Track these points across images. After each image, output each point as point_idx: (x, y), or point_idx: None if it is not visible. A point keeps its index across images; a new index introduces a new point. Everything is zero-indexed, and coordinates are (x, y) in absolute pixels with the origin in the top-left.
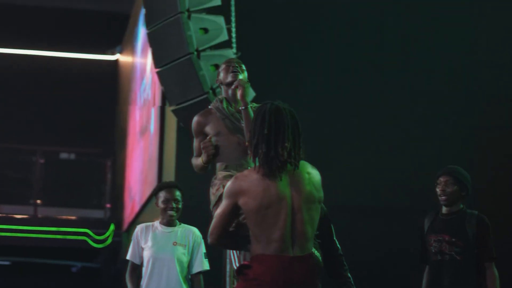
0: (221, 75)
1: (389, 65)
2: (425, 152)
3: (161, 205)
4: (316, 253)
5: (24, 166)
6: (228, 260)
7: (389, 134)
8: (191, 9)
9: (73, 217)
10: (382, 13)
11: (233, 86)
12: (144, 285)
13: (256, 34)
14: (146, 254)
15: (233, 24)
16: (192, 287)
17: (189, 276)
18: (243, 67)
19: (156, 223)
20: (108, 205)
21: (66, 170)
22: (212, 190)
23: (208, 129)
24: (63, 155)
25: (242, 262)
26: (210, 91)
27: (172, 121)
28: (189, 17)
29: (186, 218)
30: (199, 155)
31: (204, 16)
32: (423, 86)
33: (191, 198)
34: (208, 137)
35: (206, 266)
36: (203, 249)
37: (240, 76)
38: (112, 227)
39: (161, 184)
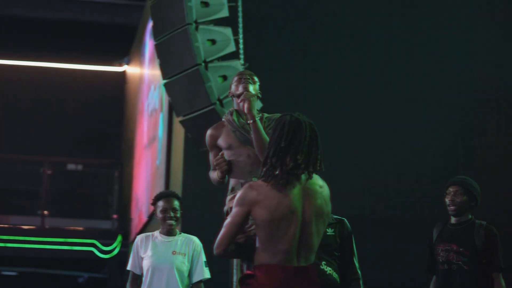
0: (233, 87)
1: (398, 75)
2: (435, 162)
3: (159, 214)
4: (335, 274)
5: (31, 177)
6: (235, 270)
7: (395, 144)
8: (199, 21)
9: (80, 228)
10: (386, 25)
11: (239, 100)
12: None
13: (263, 45)
14: (146, 264)
15: (241, 36)
16: None
17: (190, 285)
18: (255, 78)
19: (156, 233)
20: (115, 216)
21: (74, 181)
22: (227, 205)
23: (220, 142)
24: (71, 166)
25: (245, 271)
26: (218, 102)
27: (179, 132)
28: (196, 28)
29: (193, 227)
30: (214, 169)
31: (212, 27)
32: (432, 96)
33: (198, 207)
34: (220, 153)
35: (207, 274)
36: (203, 258)
37: (251, 88)
38: (119, 237)
39: (159, 194)
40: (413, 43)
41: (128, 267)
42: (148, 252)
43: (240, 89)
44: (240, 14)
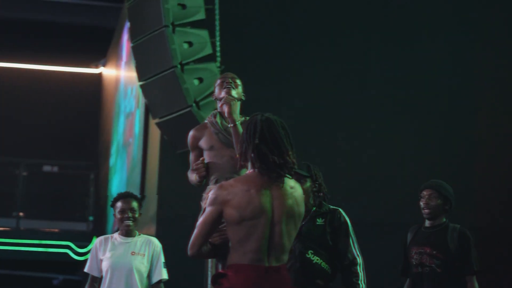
0: (216, 90)
1: (376, 76)
2: (419, 166)
3: (117, 215)
4: (324, 264)
5: (7, 178)
6: (210, 270)
7: (381, 149)
8: (176, 23)
9: (56, 230)
10: (367, 29)
11: (219, 104)
12: None
13: (240, 48)
14: (105, 265)
15: (218, 38)
16: None
17: (150, 286)
18: (238, 82)
19: (115, 234)
20: (91, 218)
21: (49, 183)
22: (202, 204)
23: (202, 143)
24: (46, 168)
25: (217, 271)
26: (194, 104)
27: (155, 134)
28: (173, 30)
29: (168, 229)
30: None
31: (189, 29)
32: (421, 100)
33: (174, 209)
34: (201, 159)
35: (165, 275)
36: (162, 259)
37: (233, 92)
38: (94, 239)
39: (117, 195)
40: (392, 44)
41: (86, 269)
42: (107, 253)
43: (223, 93)
44: (217, 16)
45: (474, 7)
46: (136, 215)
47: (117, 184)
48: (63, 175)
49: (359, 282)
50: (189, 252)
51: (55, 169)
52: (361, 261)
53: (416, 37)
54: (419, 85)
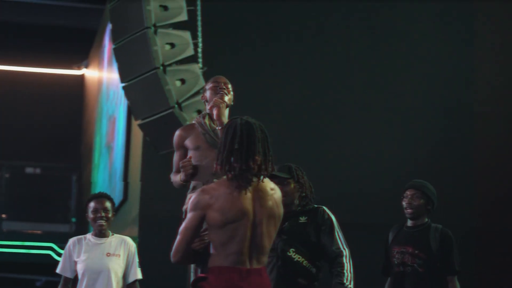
0: (207, 93)
1: (359, 79)
2: (404, 167)
3: (90, 215)
4: (305, 262)
5: None
6: (192, 273)
7: (366, 149)
8: (158, 24)
9: (38, 231)
10: (350, 30)
11: (208, 106)
12: None
13: (222, 49)
14: (80, 267)
15: (200, 39)
16: None
17: (125, 286)
18: (230, 87)
19: (89, 235)
20: (73, 219)
21: (32, 184)
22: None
23: (188, 142)
24: (29, 170)
25: (197, 274)
26: (176, 105)
27: (138, 135)
28: (155, 32)
29: (151, 230)
30: (178, 170)
31: (171, 31)
32: (402, 103)
33: (156, 211)
34: (188, 157)
35: (140, 275)
36: (137, 258)
37: (226, 99)
38: None
39: (91, 195)
40: (378, 41)
41: (58, 270)
42: (81, 255)
43: (218, 98)
44: (199, 18)
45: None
46: (110, 215)
47: (99, 186)
48: (45, 177)
49: (344, 271)
50: (172, 259)
51: (38, 170)
52: (347, 253)
53: (405, 34)
54: (408, 85)
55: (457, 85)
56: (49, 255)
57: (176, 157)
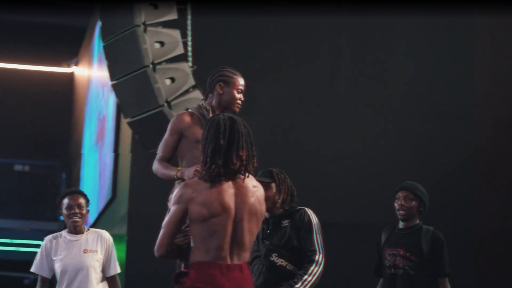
0: (226, 90)
1: (347, 79)
2: (395, 168)
3: (64, 211)
4: (289, 266)
5: None
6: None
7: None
8: (147, 23)
9: (27, 229)
10: (337, 30)
11: (218, 100)
12: None
13: (212, 48)
14: (58, 266)
15: (189, 38)
16: None
17: (105, 280)
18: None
19: (64, 232)
20: (62, 217)
21: (21, 182)
22: (169, 204)
23: (188, 132)
24: (18, 167)
25: (180, 269)
26: (166, 104)
27: (127, 133)
28: (145, 30)
29: (140, 228)
30: (167, 154)
31: (160, 29)
32: (398, 100)
33: (145, 209)
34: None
35: (119, 268)
36: (115, 252)
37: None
38: None
39: (65, 192)
40: (365, 38)
41: (33, 269)
42: (58, 254)
43: (234, 104)
44: (189, 16)
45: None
46: (84, 211)
47: (88, 183)
48: (34, 175)
49: (306, 276)
50: (156, 253)
51: (27, 168)
52: (321, 257)
53: (401, 36)
54: (404, 84)
55: (456, 86)
56: (37, 253)
57: (169, 139)
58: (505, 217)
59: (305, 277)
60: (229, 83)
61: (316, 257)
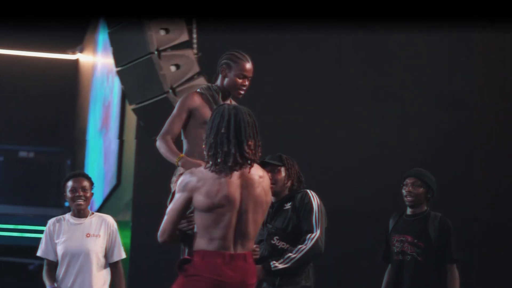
0: (228, 74)
1: (352, 66)
2: (402, 156)
3: (68, 194)
4: (285, 245)
5: None
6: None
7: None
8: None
9: (31, 215)
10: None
11: (225, 83)
12: (59, 279)
13: (217, 35)
14: (60, 249)
15: (194, 25)
16: (113, 276)
17: (107, 266)
18: (251, 77)
19: (68, 215)
20: (66, 203)
21: (25, 168)
22: (172, 186)
23: (197, 112)
24: (22, 153)
25: (184, 255)
26: (170, 90)
27: (132, 120)
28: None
29: (145, 215)
30: (175, 130)
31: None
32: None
33: (150, 196)
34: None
35: (123, 254)
36: (119, 237)
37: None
38: None
39: (69, 174)
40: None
41: (39, 253)
42: (61, 237)
43: (236, 88)
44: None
45: None
46: (88, 194)
47: (93, 170)
48: (39, 161)
49: (291, 254)
50: (159, 239)
51: (31, 154)
52: (317, 235)
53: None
54: (407, 73)
55: (457, 75)
56: (42, 237)
57: (177, 118)
58: (506, 205)
59: (289, 254)
60: (232, 68)
61: (309, 235)
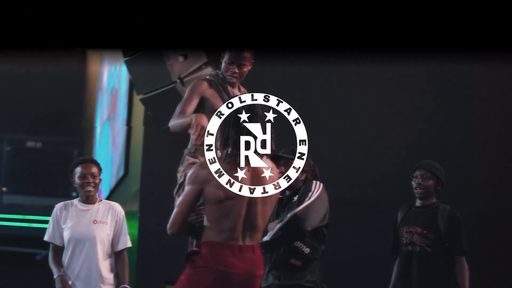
0: (223, 61)
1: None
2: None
3: (77, 180)
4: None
5: None
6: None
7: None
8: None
9: (39, 205)
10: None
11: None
12: (65, 265)
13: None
14: (66, 234)
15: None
16: (117, 264)
17: (112, 254)
18: (245, 66)
19: (75, 201)
20: (74, 194)
21: (33, 158)
22: (178, 175)
23: (208, 102)
24: (30, 143)
25: (192, 247)
26: (178, 80)
27: (139, 110)
28: None
29: (152, 206)
30: (188, 110)
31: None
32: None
33: (158, 186)
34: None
35: (129, 243)
36: (126, 226)
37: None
38: None
39: (77, 160)
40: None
41: (46, 238)
42: (68, 222)
43: (228, 75)
44: None
45: None
46: (97, 181)
47: (100, 160)
48: (46, 151)
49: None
50: (169, 231)
51: (39, 144)
52: (295, 210)
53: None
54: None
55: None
56: (49, 221)
57: (189, 101)
58: (505, 195)
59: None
60: (225, 54)
61: (296, 211)
